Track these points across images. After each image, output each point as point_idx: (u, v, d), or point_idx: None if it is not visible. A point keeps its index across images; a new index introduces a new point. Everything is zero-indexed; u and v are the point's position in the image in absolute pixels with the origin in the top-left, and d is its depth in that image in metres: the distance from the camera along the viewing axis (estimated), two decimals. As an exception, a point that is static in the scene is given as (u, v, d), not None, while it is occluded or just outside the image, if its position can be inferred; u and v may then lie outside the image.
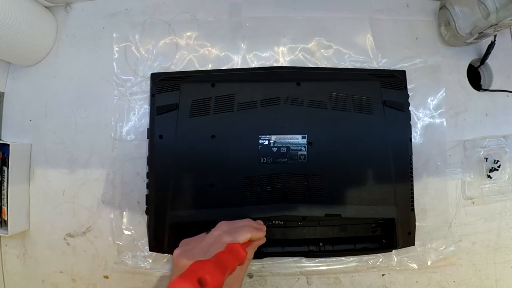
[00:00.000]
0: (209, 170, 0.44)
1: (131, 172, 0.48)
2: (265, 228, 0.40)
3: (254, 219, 0.43)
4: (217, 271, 0.28)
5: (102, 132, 0.48)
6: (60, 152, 0.49)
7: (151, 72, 0.47)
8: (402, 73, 0.48)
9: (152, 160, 0.44)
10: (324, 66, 0.49)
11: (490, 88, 0.51)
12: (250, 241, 0.37)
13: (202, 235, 0.38)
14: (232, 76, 0.47)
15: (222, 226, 0.38)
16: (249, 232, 0.36)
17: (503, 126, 0.51)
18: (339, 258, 0.47)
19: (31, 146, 0.49)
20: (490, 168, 0.50)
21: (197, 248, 0.35)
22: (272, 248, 0.45)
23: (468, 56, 0.51)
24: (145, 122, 0.48)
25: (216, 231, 0.37)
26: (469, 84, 0.51)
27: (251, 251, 0.38)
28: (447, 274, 0.48)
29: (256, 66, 0.49)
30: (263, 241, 0.40)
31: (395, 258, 0.47)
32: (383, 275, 0.48)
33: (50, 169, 0.49)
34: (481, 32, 0.44)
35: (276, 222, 0.45)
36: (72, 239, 0.48)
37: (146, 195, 0.45)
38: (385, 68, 0.49)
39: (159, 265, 0.47)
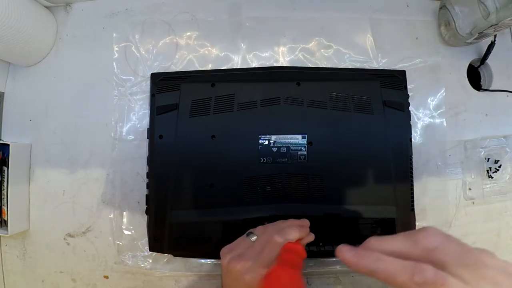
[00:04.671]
0: (209, 170, 0.44)
1: (131, 172, 0.48)
2: (308, 224, 0.39)
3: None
4: (295, 272, 0.30)
5: (102, 132, 0.48)
6: (60, 152, 0.49)
7: (151, 72, 0.47)
8: (402, 73, 0.48)
9: (152, 160, 0.44)
10: (324, 66, 0.49)
11: (490, 88, 0.51)
12: (299, 240, 0.37)
13: (243, 239, 0.37)
14: (232, 76, 0.47)
15: (268, 230, 0.37)
16: (297, 231, 0.36)
17: (503, 126, 0.51)
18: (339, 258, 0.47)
19: (31, 146, 0.49)
20: (491, 168, 0.50)
21: (248, 253, 0.34)
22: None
23: (468, 56, 0.51)
24: (145, 122, 0.48)
25: (264, 235, 0.36)
26: (469, 84, 0.51)
27: None
28: (447, 274, 0.48)
29: (256, 66, 0.49)
30: (312, 237, 0.39)
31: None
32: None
33: (50, 169, 0.49)
34: (481, 32, 0.44)
35: (276, 222, 0.45)
36: (72, 239, 0.48)
37: (146, 195, 0.45)
38: (385, 68, 0.49)
39: (159, 265, 0.47)
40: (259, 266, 0.33)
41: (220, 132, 0.44)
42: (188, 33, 0.50)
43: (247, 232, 0.38)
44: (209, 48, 0.49)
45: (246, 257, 0.34)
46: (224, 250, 0.37)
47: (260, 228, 0.38)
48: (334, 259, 0.47)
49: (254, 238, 0.36)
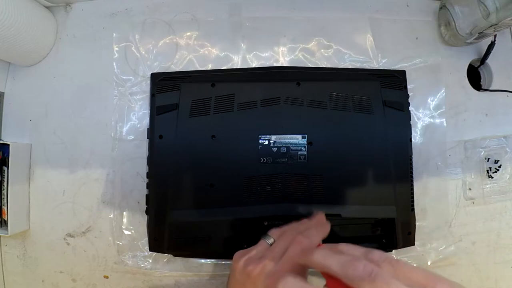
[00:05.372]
0: (209, 170, 0.44)
1: (131, 172, 0.48)
2: (324, 219, 0.37)
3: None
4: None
5: (102, 132, 0.48)
6: (60, 152, 0.49)
7: (151, 72, 0.47)
8: (402, 73, 0.48)
9: (152, 160, 0.44)
10: (324, 66, 0.49)
11: (490, 88, 0.51)
12: None
13: (259, 243, 0.35)
14: (232, 76, 0.47)
15: (286, 231, 0.35)
16: (320, 232, 0.34)
17: (503, 126, 0.51)
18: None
19: (31, 146, 0.49)
20: (491, 168, 0.50)
21: (268, 255, 0.32)
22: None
23: (468, 56, 0.51)
24: (145, 122, 0.48)
25: (283, 237, 0.34)
26: (469, 84, 0.51)
27: None
28: (447, 274, 0.48)
29: (256, 66, 0.49)
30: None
31: (395, 258, 0.47)
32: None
33: (50, 169, 0.49)
34: (481, 32, 0.44)
35: (276, 222, 0.45)
36: (72, 239, 0.48)
37: (146, 195, 0.45)
38: (385, 68, 0.49)
39: (159, 265, 0.47)
40: (281, 269, 0.31)
41: (220, 132, 0.44)
42: (188, 33, 0.50)
43: (262, 236, 0.36)
44: (209, 48, 0.49)
45: (266, 260, 0.31)
46: (238, 253, 0.34)
47: (276, 231, 0.36)
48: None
49: (271, 240, 0.35)
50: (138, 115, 0.49)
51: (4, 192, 0.45)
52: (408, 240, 0.45)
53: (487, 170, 0.50)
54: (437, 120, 0.50)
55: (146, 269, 0.47)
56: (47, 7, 0.50)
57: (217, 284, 0.47)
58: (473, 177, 0.49)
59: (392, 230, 0.45)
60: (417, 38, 0.51)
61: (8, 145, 0.45)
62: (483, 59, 0.50)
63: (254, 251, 0.34)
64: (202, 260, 0.47)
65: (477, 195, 0.49)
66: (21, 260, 0.48)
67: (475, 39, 0.47)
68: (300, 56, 0.50)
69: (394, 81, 0.47)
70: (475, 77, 0.53)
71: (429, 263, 0.48)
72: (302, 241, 0.33)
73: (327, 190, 0.44)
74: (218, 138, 0.44)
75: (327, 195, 0.44)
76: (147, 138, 0.45)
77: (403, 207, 0.45)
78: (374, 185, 0.44)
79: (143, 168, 0.46)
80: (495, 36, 0.47)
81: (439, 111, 0.50)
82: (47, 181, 0.49)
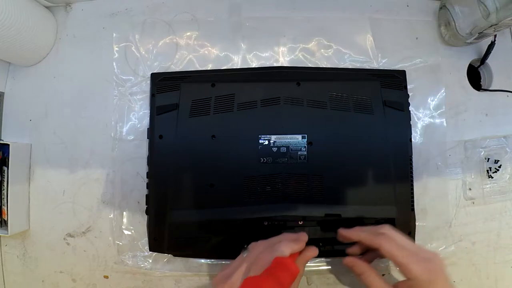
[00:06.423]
0: (209, 170, 0.44)
1: (131, 172, 0.48)
2: (305, 239, 0.37)
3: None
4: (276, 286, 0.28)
5: (102, 132, 0.48)
6: (60, 152, 0.49)
7: (151, 72, 0.47)
8: (402, 73, 0.48)
9: (152, 160, 0.44)
10: (324, 66, 0.49)
11: (490, 88, 0.51)
12: (296, 254, 0.35)
13: (239, 257, 0.36)
14: (232, 76, 0.47)
15: (258, 247, 0.36)
16: (288, 245, 0.34)
17: (503, 126, 0.51)
18: (339, 258, 0.47)
19: (31, 146, 0.49)
20: (491, 168, 0.50)
21: (236, 272, 0.33)
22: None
23: (468, 56, 0.51)
24: (145, 122, 0.48)
25: (252, 253, 0.35)
26: (469, 84, 0.51)
27: (302, 266, 0.36)
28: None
29: (256, 66, 0.49)
30: (315, 253, 0.38)
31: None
32: (383, 275, 0.48)
33: (50, 169, 0.49)
34: (481, 32, 0.44)
35: (276, 222, 0.45)
36: (72, 239, 0.48)
37: (146, 195, 0.45)
38: (385, 68, 0.49)
39: (159, 265, 0.47)
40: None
41: (220, 132, 0.44)
42: (188, 33, 0.50)
43: (242, 249, 0.37)
44: (209, 48, 0.49)
45: (234, 277, 0.33)
46: (219, 273, 0.36)
47: (252, 244, 0.37)
48: (335, 259, 0.47)
49: (245, 254, 0.36)
50: (138, 115, 0.49)
51: (4, 192, 0.45)
52: (408, 240, 0.45)
53: (487, 170, 0.50)
54: (437, 120, 0.50)
55: (146, 269, 0.47)
56: (47, 7, 0.50)
57: (217, 284, 0.47)
58: (473, 177, 0.49)
59: (392, 230, 0.45)
60: (417, 38, 0.51)
61: (8, 145, 0.45)
62: (483, 59, 0.50)
63: (229, 268, 0.36)
64: (202, 260, 0.47)
65: (477, 195, 0.49)
66: (21, 260, 0.48)
67: (475, 39, 0.47)
68: (300, 56, 0.50)
69: (394, 81, 0.47)
70: (475, 77, 0.53)
71: (429, 263, 0.48)
72: (263, 257, 0.34)
73: (327, 190, 0.44)
74: (218, 138, 0.44)
75: (327, 195, 0.44)
76: (147, 138, 0.45)
77: (403, 207, 0.45)
78: (374, 185, 0.44)
79: (143, 168, 0.46)
80: (495, 36, 0.47)
81: (439, 111, 0.50)
82: (47, 181, 0.49)
